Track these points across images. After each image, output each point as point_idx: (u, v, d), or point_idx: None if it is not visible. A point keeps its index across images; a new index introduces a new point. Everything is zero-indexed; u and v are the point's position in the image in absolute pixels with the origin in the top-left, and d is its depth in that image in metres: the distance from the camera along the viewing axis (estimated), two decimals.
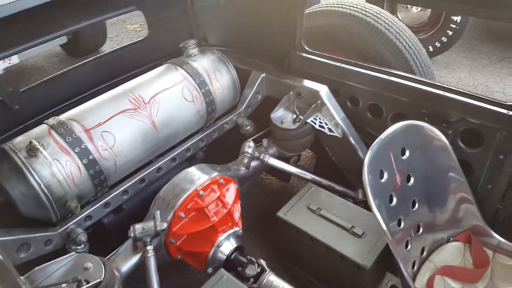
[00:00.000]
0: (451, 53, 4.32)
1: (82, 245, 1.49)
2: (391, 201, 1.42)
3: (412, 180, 1.50)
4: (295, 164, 2.24)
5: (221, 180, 1.74)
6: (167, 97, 1.76)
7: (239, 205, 1.80)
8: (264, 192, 2.65)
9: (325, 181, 2.01)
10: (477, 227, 1.62)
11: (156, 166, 1.80)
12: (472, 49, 4.46)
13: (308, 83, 1.94)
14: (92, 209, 1.60)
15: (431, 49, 4.06)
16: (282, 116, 2.00)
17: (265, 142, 2.07)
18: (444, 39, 4.02)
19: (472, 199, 1.61)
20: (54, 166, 1.43)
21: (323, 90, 1.87)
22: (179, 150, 1.89)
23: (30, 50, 3.23)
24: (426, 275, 1.50)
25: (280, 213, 1.76)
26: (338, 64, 1.92)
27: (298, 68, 2.05)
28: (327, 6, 2.37)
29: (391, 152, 1.44)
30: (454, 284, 1.49)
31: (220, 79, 1.96)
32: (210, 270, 1.64)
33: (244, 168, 1.94)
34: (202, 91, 1.87)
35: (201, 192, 1.64)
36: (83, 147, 1.50)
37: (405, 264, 1.33)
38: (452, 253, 1.59)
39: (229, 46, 2.23)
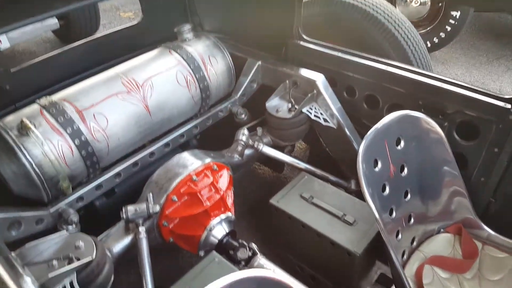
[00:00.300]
0: (449, 49, 4.32)
1: (74, 225, 1.49)
2: (383, 190, 1.42)
3: (405, 170, 1.51)
4: (289, 154, 2.24)
5: (215, 166, 1.74)
6: (160, 81, 1.75)
7: (232, 192, 1.80)
8: (257, 182, 2.65)
9: (318, 171, 2.01)
10: (468, 219, 1.63)
11: (149, 150, 1.79)
12: (470, 46, 4.46)
13: (304, 72, 1.93)
14: (84, 190, 1.60)
15: (429, 44, 4.05)
16: (277, 105, 1.99)
17: (259, 130, 2.06)
18: (442, 34, 4.02)
19: (465, 193, 1.61)
20: (46, 146, 1.42)
21: (320, 80, 1.87)
22: (173, 136, 1.88)
23: (22, 34, 3.17)
24: (416, 264, 1.51)
25: (273, 200, 1.76)
26: (336, 53, 1.91)
27: (295, 56, 2.04)
28: None
29: (386, 142, 1.44)
30: (443, 273, 1.50)
31: (215, 65, 1.95)
32: (202, 253, 1.64)
33: (237, 156, 1.93)
34: (197, 76, 1.85)
35: (194, 177, 1.64)
36: (75, 127, 1.49)
37: (396, 252, 1.33)
38: (442, 244, 1.60)
39: (225, 32, 2.21)
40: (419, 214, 1.57)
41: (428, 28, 4.07)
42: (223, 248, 1.62)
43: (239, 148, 1.92)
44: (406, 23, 2.22)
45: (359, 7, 2.21)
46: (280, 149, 2.10)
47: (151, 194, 1.57)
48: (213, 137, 2.12)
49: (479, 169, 1.61)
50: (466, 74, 3.98)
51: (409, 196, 1.53)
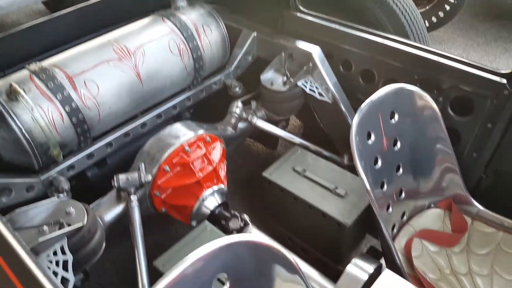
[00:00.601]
0: (447, 29, 4.27)
1: (65, 193, 1.48)
2: (376, 163, 1.42)
3: (398, 144, 1.50)
4: (283, 130, 2.23)
5: (207, 138, 1.72)
6: (153, 49, 1.70)
7: (225, 164, 1.80)
8: (250, 158, 2.64)
9: (312, 146, 2.01)
10: (459, 195, 1.64)
11: (141, 121, 1.77)
12: (469, 27, 4.42)
13: (301, 44, 1.90)
14: (75, 159, 1.58)
15: (427, 24, 3.99)
16: (272, 77, 1.97)
17: (253, 104, 2.04)
18: (441, 14, 3.97)
19: (457, 169, 1.62)
20: (36, 111, 1.39)
21: (316, 52, 1.84)
22: (165, 107, 1.85)
23: (10, 4, 3.04)
24: (405, 238, 1.53)
25: (266, 173, 1.76)
26: (333, 26, 1.88)
27: (291, 28, 2.00)
28: None
29: (380, 115, 1.43)
30: (432, 247, 1.52)
31: (209, 34, 1.90)
32: (194, 223, 1.65)
33: (231, 128, 1.92)
34: (190, 45, 1.81)
35: (186, 148, 1.63)
36: (65, 94, 1.46)
37: (386, 225, 1.34)
38: (432, 218, 1.61)
39: (220, 2, 2.15)
40: (410, 189, 1.58)
41: (427, 7, 4.01)
42: (215, 218, 1.63)
43: (233, 120, 1.91)
44: None
45: None
46: (274, 124, 2.09)
47: (143, 164, 1.56)
48: (207, 110, 2.10)
49: (472, 145, 1.62)
50: (463, 54, 3.95)
51: (401, 170, 1.53)
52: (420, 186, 1.61)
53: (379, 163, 1.43)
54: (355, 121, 1.33)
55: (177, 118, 1.97)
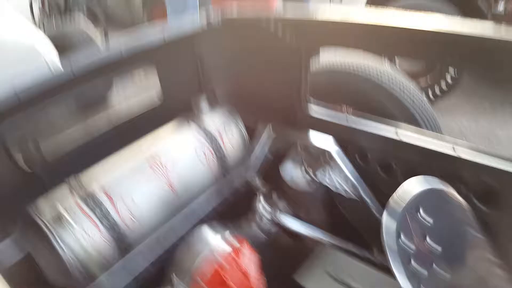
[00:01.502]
0: (451, 96, 4.38)
1: None
2: (410, 264, 1.40)
3: (429, 240, 1.48)
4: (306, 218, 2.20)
5: (237, 244, 1.71)
6: (183, 159, 1.78)
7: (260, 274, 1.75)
8: (276, 250, 2.55)
9: (341, 243, 1.96)
10: None
11: (170, 227, 1.78)
12: (472, 94, 4.52)
13: (315, 138, 1.95)
14: (111, 276, 1.58)
15: (431, 95, 4.11)
16: (291, 170, 1.99)
17: (274, 196, 2.05)
18: (443, 84, 4.10)
19: (493, 260, 1.55)
20: (80, 235, 1.45)
21: (333, 150, 1.88)
22: (193, 211, 1.87)
23: None
24: None
25: (296, 277, 1.72)
26: (346, 123, 1.93)
27: (304, 123, 2.05)
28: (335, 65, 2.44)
29: (407, 213, 1.43)
30: None
31: (231, 137, 1.98)
32: None
33: (258, 230, 1.92)
34: (216, 153, 1.89)
35: (219, 259, 1.62)
36: (110, 219, 1.51)
37: None
38: None
39: (235, 99, 2.24)
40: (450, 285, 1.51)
41: (429, 79, 4.14)
42: None
43: (260, 221, 1.91)
44: (411, 88, 2.29)
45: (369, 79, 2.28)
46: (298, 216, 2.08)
47: (175, 276, 1.54)
48: (227, 204, 2.11)
49: (506, 237, 1.58)
50: (471, 121, 4.01)
51: (435, 268, 1.48)
52: (459, 281, 1.54)
53: (413, 263, 1.40)
54: (384, 223, 1.34)
55: (203, 219, 1.99)
